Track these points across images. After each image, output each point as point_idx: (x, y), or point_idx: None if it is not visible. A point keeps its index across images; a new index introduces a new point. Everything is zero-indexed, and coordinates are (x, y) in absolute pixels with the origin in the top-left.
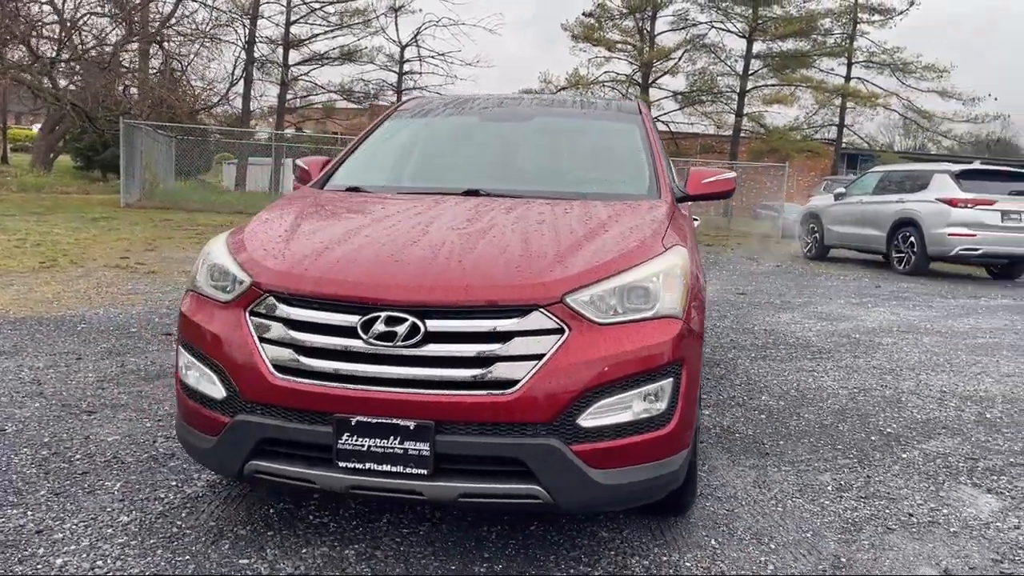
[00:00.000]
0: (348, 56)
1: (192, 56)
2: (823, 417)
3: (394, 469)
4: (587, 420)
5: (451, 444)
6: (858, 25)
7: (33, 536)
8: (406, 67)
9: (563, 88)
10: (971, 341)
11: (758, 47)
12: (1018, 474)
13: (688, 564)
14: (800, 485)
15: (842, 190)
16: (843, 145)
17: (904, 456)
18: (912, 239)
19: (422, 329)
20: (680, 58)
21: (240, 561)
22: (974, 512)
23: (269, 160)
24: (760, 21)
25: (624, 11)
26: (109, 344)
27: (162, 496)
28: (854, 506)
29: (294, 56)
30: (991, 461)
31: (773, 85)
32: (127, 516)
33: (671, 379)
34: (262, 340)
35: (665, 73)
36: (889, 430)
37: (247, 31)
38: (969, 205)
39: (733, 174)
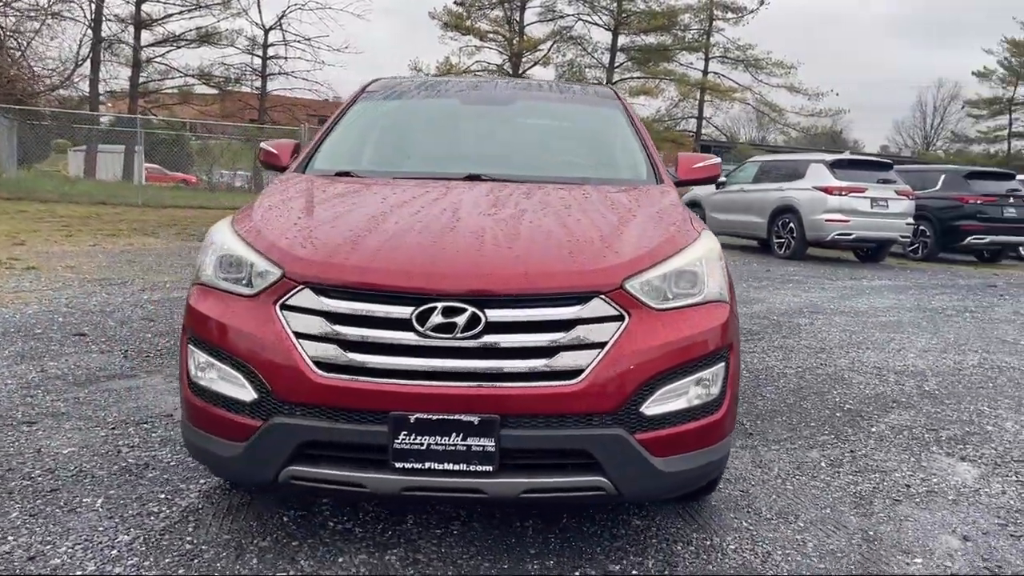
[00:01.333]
0: (206, 38)
1: (32, 35)
2: (784, 396)
3: (456, 467)
4: (650, 408)
5: (516, 438)
6: (714, 22)
7: (27, 564)
8: (270, 51)
9: (434, 76)
10: (876, 319)
11: (623, 40)
12: (978, 442)
13: (733, 547)
14: (795, 463)
15: (723, 179)
16: (702, 136)
17: (874, 430)
18: (791, 225)
19: (482, 319)
20: (549, 49)
21: None
22: (960, 480)
23: (121, 147)
24: (624, 15)
25: (493, 1)
26: (17, 348)
27: (156, 511)
28: (854, 480)
29: (147, 37)
30: (949, 431)
31: (638, 77)
32: (126, 535)
33: (723, 364)
34: (299, 336)
35: (536, 64)
36: (848, 406)
37: (93, 8)
38: (843, 193)
39: (719, 159)
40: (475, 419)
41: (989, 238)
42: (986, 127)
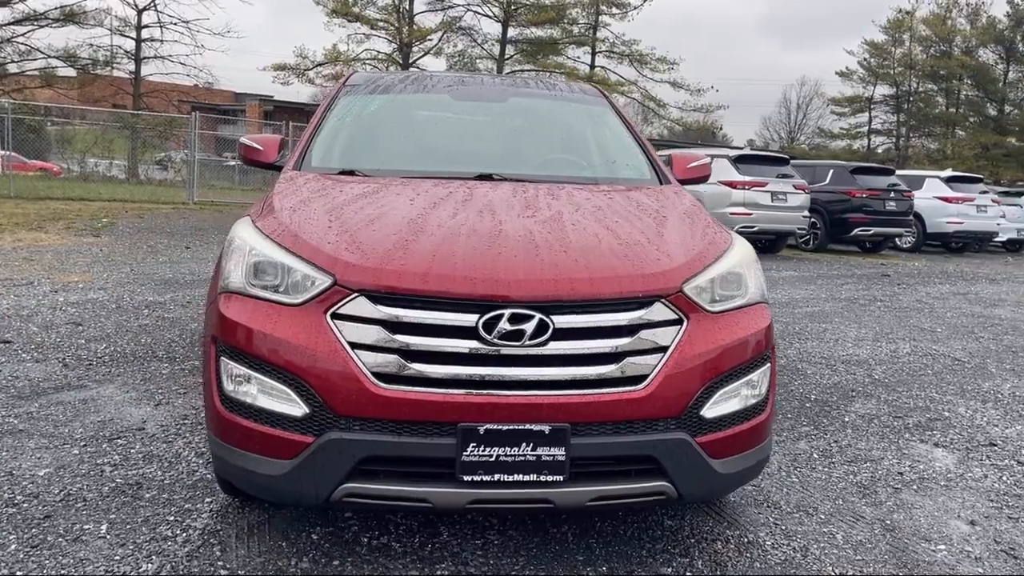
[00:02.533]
0: (71, 17)
1: None
2: None
3: (526, 478)
4: (709, 411)
5: (586, 447)
6: (601, 16)
7: None
8: (145, 33)
9: (321, 64)
10: (804, 310)
11: (512, 32)
12: (943, 428)
13: (769, 543)
14: (789, 455)
15: None
16: None
17: (847, 420)
18: None
19: (550, 326)
20: (440, 40)
21: None
22: (942, 466)
23: None
24: (513, 7)
25: None
26: None
27: (171, 534)
28: (851, 470)
29: (4, 14)
30: (913, 418)
31: (529, 70)
32: (149, 563)
33: (768, 365)
34: (354, 347)
35: (426, 54)
36: (814, 396)
37: None
38: (746, 187)
39: (709, 159)
40: (546, 428)
41: (874, 230)
42: (848, 124)
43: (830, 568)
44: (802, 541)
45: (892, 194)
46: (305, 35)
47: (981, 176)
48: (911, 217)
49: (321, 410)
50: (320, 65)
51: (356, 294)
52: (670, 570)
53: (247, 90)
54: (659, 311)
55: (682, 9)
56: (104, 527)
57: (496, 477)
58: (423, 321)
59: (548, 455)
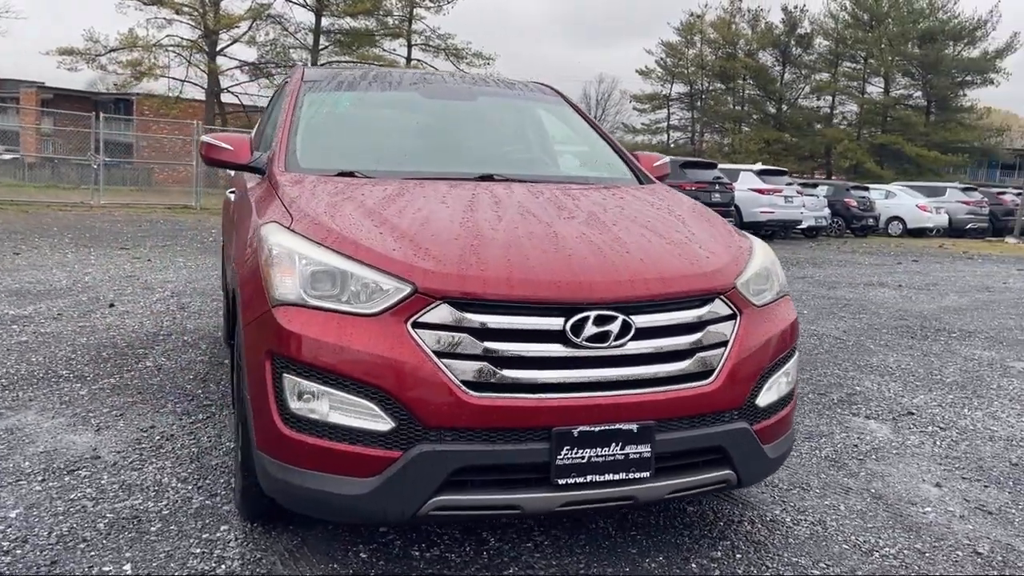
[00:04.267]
0: None
1: None
2: None
3: (616, 477)
4: (761, 399)
5: (667, 442)
6: (416, 9)
7: None
8: None
9: (115, 49)
10: None
11: (326, 22)
12: (863, 401)
13: (789, 519)
14: None
15: None
16: None
17: None
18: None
19: (632, 326)
20: (250, 27)
21: None
22: (884, 436)
23: None
24: None
25: None
26: None
27: (209, 568)
28: (815, 446)
29: None
30: (835, 395)
31: (347, 61)
32: None
33: (796, 354)
34: (440, 355)
35: (235, 41)
36: None
37: None
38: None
39: (667, 159)
40: (634, 427)
41: None
42: (648, 120)
43: (854, 537)
44: (815, 515)
45: (717, 186)
46: (97, 18)
47: (786, 169)
48: (733, 208)
49: (409, 423)
50: (114, 51)
51: (439, 302)
52: (719, 553)
53: (11, 75)
54: (719, 307)
55: (484, 5)
56: (128, 568)
57: (588, 478)
58: (510, 327)
59: (635, 453)
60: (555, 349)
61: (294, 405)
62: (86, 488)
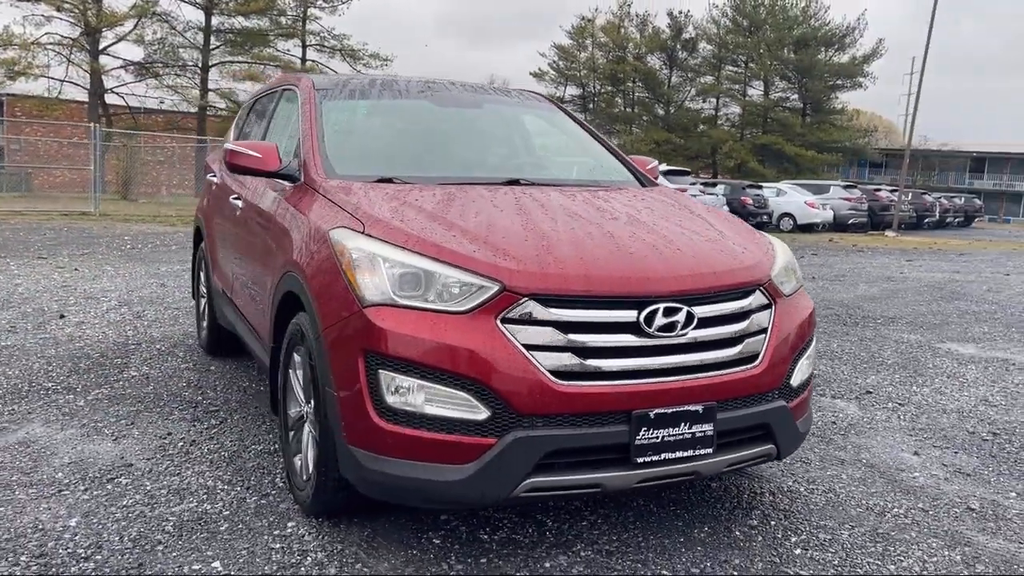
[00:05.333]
0: None
1: None
2: None
3: (685, 454)
4: (794, 380)
5: (725, 421)
6: (310, 8)
7: None
8: None
9: None
10: None
11: (217, 21)
12: (825, 382)
13: (803, 489)
14: None
15: None
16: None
17: None
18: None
19: (694, 316)
20: (136, 25)
21: None
22: (855, 413)
23: None
24: None
25: None
26: None
27: (295, 561)
28: None
29: None
30: None
31: (242, 62)
32: None
33: (815, 339)
34: (529, 348)
35: (120, 40)
36: None
37: None
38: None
39: (657, 162)
40: (700, 408)
41: None
42: None
43: (864, 501)
44: (824, 485)
45: None
46: None
47: (689, 169)
48: None
49: (504, 411)
50: None
51: (526, 299)
52: (755, 521)
53: None
54: (759, 298)
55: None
56: (217, 565)
57: (662, 456)
58: (590, 320)
59: (701, 431)
60: (630, 339)
61: (391, 399)
62: (135, 495)
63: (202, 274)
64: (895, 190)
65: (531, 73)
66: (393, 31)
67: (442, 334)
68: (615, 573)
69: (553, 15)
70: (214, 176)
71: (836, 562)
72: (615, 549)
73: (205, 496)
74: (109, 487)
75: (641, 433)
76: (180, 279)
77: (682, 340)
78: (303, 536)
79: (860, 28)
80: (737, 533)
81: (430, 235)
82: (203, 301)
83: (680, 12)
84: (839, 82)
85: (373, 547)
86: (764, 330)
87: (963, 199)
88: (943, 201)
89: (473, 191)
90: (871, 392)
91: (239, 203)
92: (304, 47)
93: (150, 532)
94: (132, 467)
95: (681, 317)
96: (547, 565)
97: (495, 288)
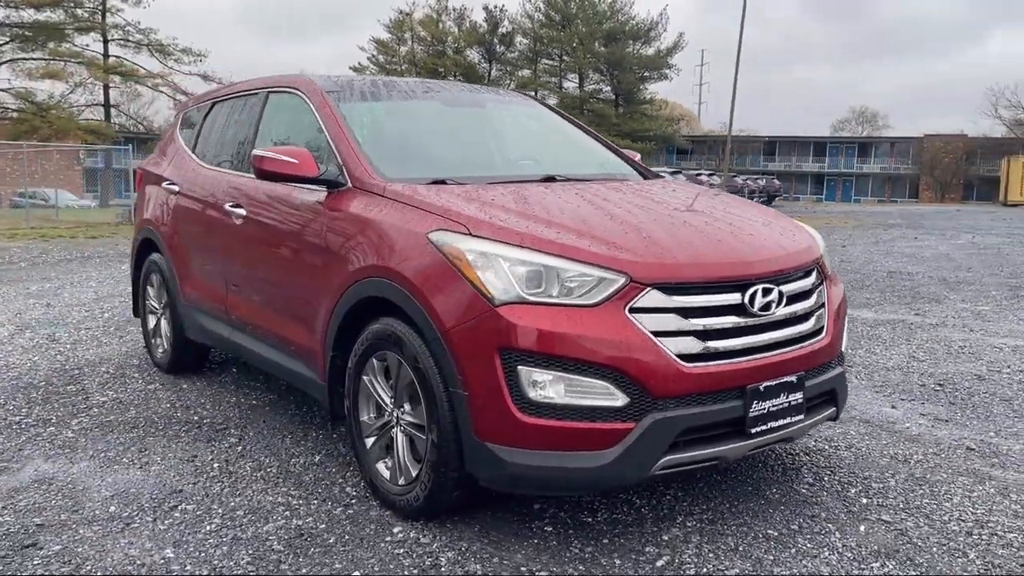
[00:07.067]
0: None
1: None
2: None
3: (785, 421)
4: (843, 347)
5: (810, 388)
6: (110, 1)
7: None
8: None
9: None
10: None
11: (4, 13)
12: None
13: (827, 448)
14: None
15: None
16: (115, 124)
17: None
18: None
19: (784, 295)
20: None
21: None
22: None
23: None
24: None
25: None
26: None
27: (431, 563)
28: None
29: None
30: None
31: (38, 59)
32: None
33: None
34: (657, 334)
35: None
36: None
37: None
38: None
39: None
40: (794, 378)
41: None
42: None
43: (885, 451)
44: (843, 442)
45: None
46: None
47: None
48: None
49: (641, 396)
50: None
51: (649, 288)
52: (810, 479)
53: None
54: (815, 276)
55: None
56: (357, 574)
57: (769, 425)
58: (705, 304)
59: (795, 399)
60: (736, 320)
61: (531, 393)
62: (213, 519)
63: (151, 289)
64: (712, 174)
65: (350, 67)
66: (192, 25)
67: (577, 327)
68: (729, 535)
69: (358, 9)
70: (172, 184)
71: (901, 505)
72: (715, 517)
73: (288, 513)
74: (177, 515)
75: (753, 406)
76: (60, 297)
77: (777, 317)
78: (418, 539)
79: (663, 23)
80: (803, 491)
81: (539, 232)
82: (153, 318)
83: (496, 7)
84: (647, 74)
85: (494, 541)
86: (822, 304)
87: (765, 180)
88: (750, 183)
89: (533, 189)
90: None
91: (239, 211)
92: (106, 42)
93: (263, 552)
94: (183, 492)
95: (775, 296)
96: (665, 538)
97: (622, 280)
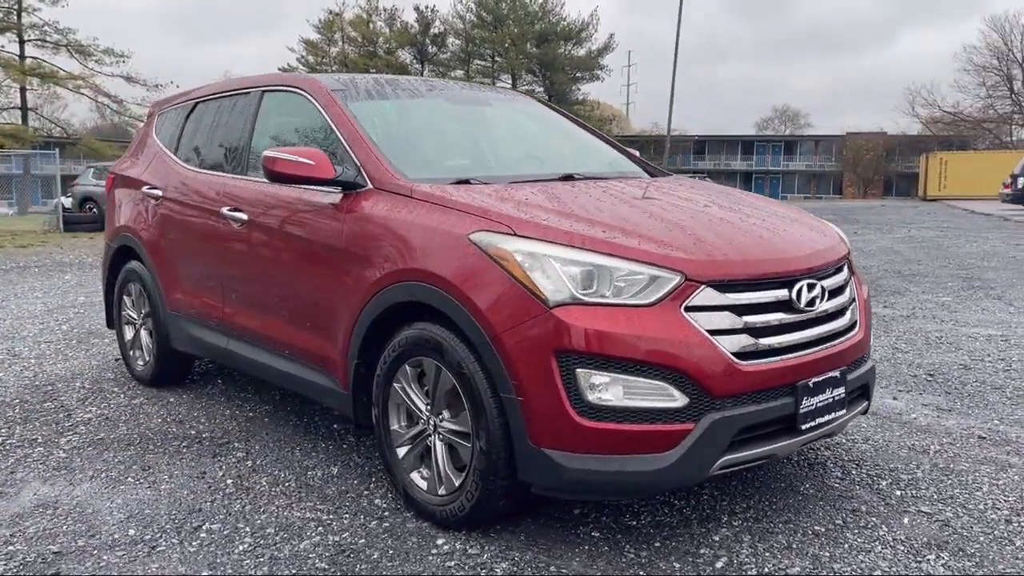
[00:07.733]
0: None
1: None
2: None
3: (830, 416)
4: (871, 342)
5: (849, 383)
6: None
7: None
8: None
9: None
10: None
11: None
12: None
13: (844, 440)
14: None
15: None
16: (34, 128)
17: None
18: None
19: (825, 290)
20: None
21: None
22: None
23: None
24: None
25: None
26: None
27: (486, 572)
28: None
29: None
30: None
31: None
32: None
33: None
34: (712, 333)
35: None
36: None
37: None
38: None
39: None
40: (837, 373)
41: None
42: None
43: (902, 442)
44: (858, 435)
45: None
46: None
47: None
48: None
49: (699, 396)
50: None
51: (703, 286)
52: (839, 472)
53: None
54: (845, 272)
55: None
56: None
57: (816, 421)
58: (755, 301)
59: (838, 394)
60: (784, 316)
61: (590, 396)
62: (243, 538)
63: (128, 299)
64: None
65: (279, 68)
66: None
67: (634, 327)
68: (779, 533)
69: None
70: (154, 189)
71: (936, 496)
72: (759, 515)
73: (322, 528)
74: (203, 535)
75: (803, 402)
76: (7, 310)
77: (820, 312)
78: (466, 550)
79: (594, 24)
80: (836, 485)
81: (586, 231)
82: (131, 329)
83: (427, 7)
84: (579, 74)
85: (545, 549)
86: (854, 299)
87: (700, 178)
88: None
89: (559, 187)
90: None
91: (238, 215)
92: (22, 42)
93: (307, 571)
94: (203, 511)
95: (818, 291)
96: (716, 538)
97: (677, 279)
